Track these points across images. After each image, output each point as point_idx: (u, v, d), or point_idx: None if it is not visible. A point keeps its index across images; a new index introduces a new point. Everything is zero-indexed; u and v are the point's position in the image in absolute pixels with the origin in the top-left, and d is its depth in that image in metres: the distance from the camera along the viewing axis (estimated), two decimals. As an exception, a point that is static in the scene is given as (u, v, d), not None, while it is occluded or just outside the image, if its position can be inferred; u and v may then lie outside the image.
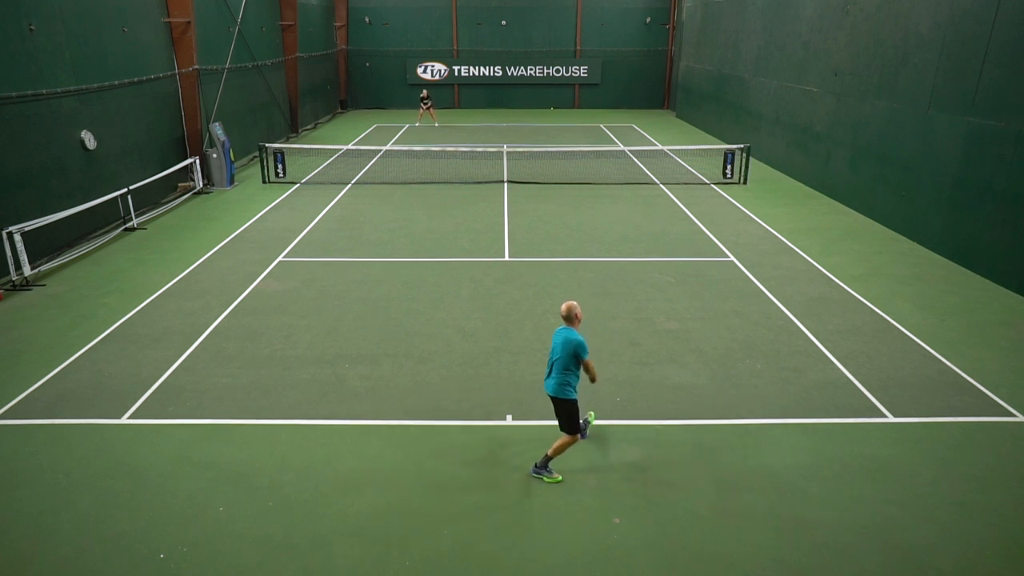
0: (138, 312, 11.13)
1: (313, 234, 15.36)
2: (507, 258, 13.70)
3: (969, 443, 7.62)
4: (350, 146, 25.71)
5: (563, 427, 6.88)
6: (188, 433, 7.84)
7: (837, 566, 5.89)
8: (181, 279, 12.60)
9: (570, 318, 6.81)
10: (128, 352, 9.75)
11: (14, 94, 12.67)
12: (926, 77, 14.36)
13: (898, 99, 15.40)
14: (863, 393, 8.63)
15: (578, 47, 38.32)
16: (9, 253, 12.08)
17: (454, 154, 24.20)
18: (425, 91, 34.33)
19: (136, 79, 16.94)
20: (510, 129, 30.90)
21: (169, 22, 18.74)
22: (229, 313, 11.08)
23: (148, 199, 17.35)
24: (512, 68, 38.36)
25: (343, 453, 7.48)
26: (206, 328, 10.51)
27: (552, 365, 6.79)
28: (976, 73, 12.87)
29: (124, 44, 16.48)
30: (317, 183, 20.39)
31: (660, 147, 25.51)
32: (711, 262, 13.46)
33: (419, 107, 33.61)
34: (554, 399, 6.79)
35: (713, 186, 20.00)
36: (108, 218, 15.60)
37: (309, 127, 31.65)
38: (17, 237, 11.99)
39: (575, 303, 6.87)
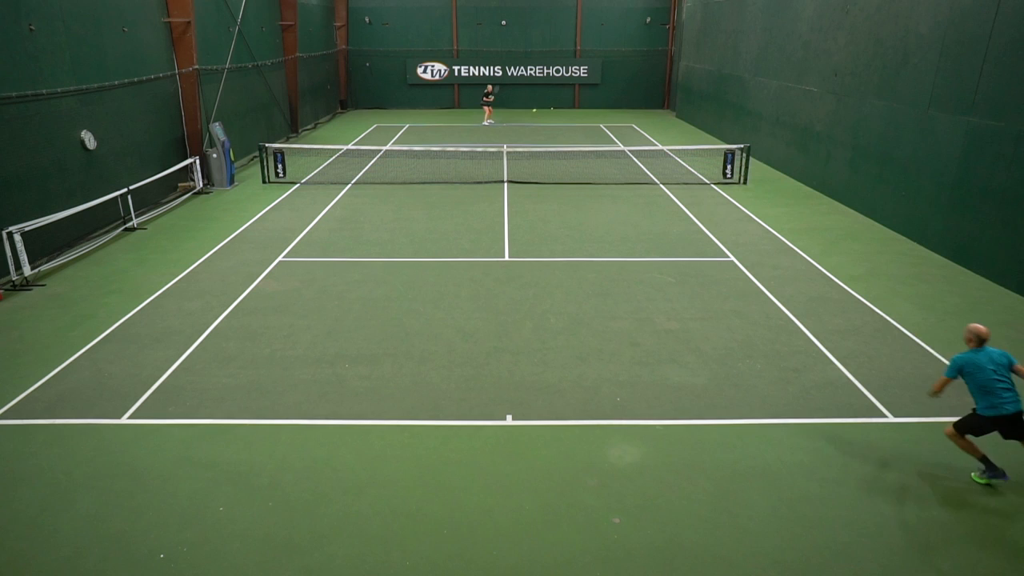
0: (138, 312, 11.14)
1: (313, 234, 15.36)
2: (507, 258, 13.71)
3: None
4: (350, 146, 25.71)
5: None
6: (188, 433, 7.84)
7: (837, 566, 5.89)
8: (181, 279, 12.60)
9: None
10: (128, 352, 9.75)
11: (14, 94, 12.67)
12: (926, 77, 14.36)
13: (898, 99, 15.40)
14: (863, 393, 8.63)
15: (578, 47, 38.33)
16: (9, 253, 12.07)
17: (454, 154, 24.20)
18: (490, 86, 33.20)
19: (136, 79, 16.94)
20: (510, 129, 30.91)
21: (169, 22, 18.74)
22: (229, 313, 11.08)
23: (148, 199, 17.35)
24: (512, 68, 38.36)
25: (343, 453, 7.48)
26: (206, 328, 10.52)
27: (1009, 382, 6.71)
28: (976, 73, 12.87)
29: (124, 44, 16.47)
30: (317, 183, 20.39)
31: (660, 147, 25.51)
32: (711, 262, 13.47)
33: (484, 106, 32.56)
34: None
35: (713, 186, 20.01)
36: (108, 218, 15.60)
37: (309, 127, 31.65)
38: (17, 237, 11.99)
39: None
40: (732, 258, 13.68)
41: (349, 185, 20.09)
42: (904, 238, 14.92)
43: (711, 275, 12.72)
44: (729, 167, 20.39)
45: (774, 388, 8.77)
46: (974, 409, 6.87)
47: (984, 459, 6.92)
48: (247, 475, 7.09)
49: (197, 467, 7.23)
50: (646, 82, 39.14)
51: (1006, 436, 6.80)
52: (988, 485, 6.92)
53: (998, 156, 12.31)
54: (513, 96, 38.88)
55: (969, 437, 6.96)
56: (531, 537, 6.25)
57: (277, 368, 9.29)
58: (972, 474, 7.05)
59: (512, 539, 6.23)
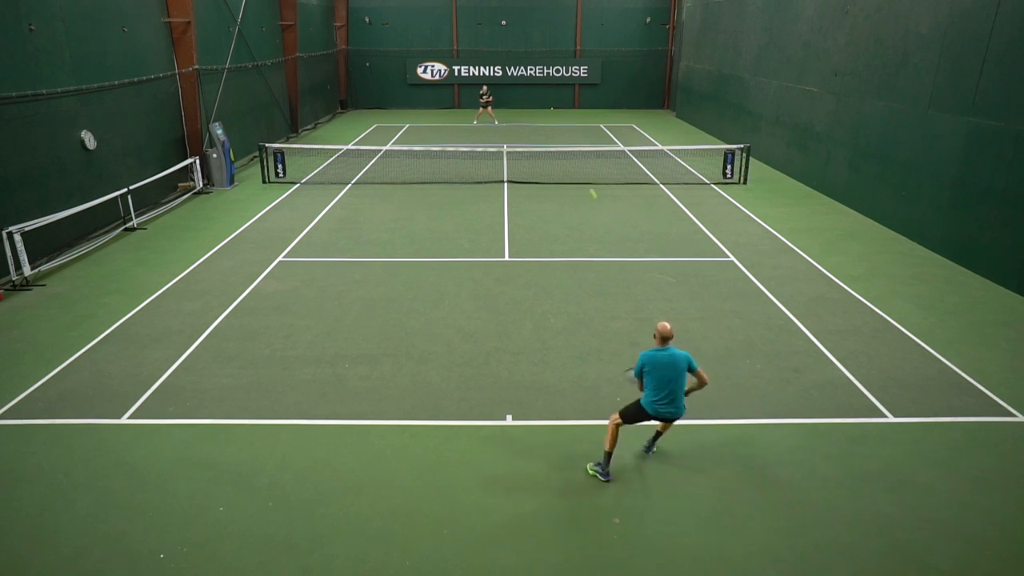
0: (138, 312, 11.14)
1: (313, 234, 15.36)
2: (507, 258, 13.70)
3: (969, 443, 7.62)
4: (350, 146, 25.71)
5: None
6: (188, 433, 7.84)
7: (837, 566, 5.89)
8: (181, 279, 12.60)
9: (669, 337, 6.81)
10: (128, 352, 9.75)
11: (14, 94, 12.67)
12: (926, 77, 14.36)
13: (898, 99, 15.40)
14: (863, 393, 8.63)
15: (578, 47, 38.32)
16: (9, 253, 12.07)
17: (454, 154, 24.20)
18: (485, 87, 33.20)
19: (136, 79, 16.94)
20: (510, 129, 30.91)
21: (169, 22, 18.74)
22: (229, 313, 11.08)
23: (148, 199, 17.35)
24: (512, 68, 38.36)
25: (343, 453, 7.48)
26: (206, 328, 10.51)
27: (675, 389, 6.72)
28: (976, 73, 12.87)
29: (124, 44, 16.47)
30: (317, 183, 20.39)
31: (660, 147, 25.51)
32: (711, 262, 13.47)
33: (479, 106, 32.55)
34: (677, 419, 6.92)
35: (713, 186, 20.00)
36: (108, 218, 15.60)
37: (309, 127, 31.64)
38: (17, 237, 11.99)
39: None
40: (732, 258, 13.68)
41: (349, 185, 20.09)
42: (904, 238, 14.92)
43: (711, 275, 12.72)
44: (729, 167, 20.39)
45: (774, 388, 8.77)
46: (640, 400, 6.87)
47: (609, 456, 7.01)
48: (247, 475, 7.09)
49: (197, 467, 7.22)
50: (646, 82, 39.13)
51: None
52: (595, 476, 7.06)
53: (998, 156, 12.31)
54: (513, 96, 38.86)
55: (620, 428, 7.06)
56: (531, 537, 6.25)
57: (277, 368, 9.29)
58: (588, 465, 7.17)
59: (512, 539, 6.23)
